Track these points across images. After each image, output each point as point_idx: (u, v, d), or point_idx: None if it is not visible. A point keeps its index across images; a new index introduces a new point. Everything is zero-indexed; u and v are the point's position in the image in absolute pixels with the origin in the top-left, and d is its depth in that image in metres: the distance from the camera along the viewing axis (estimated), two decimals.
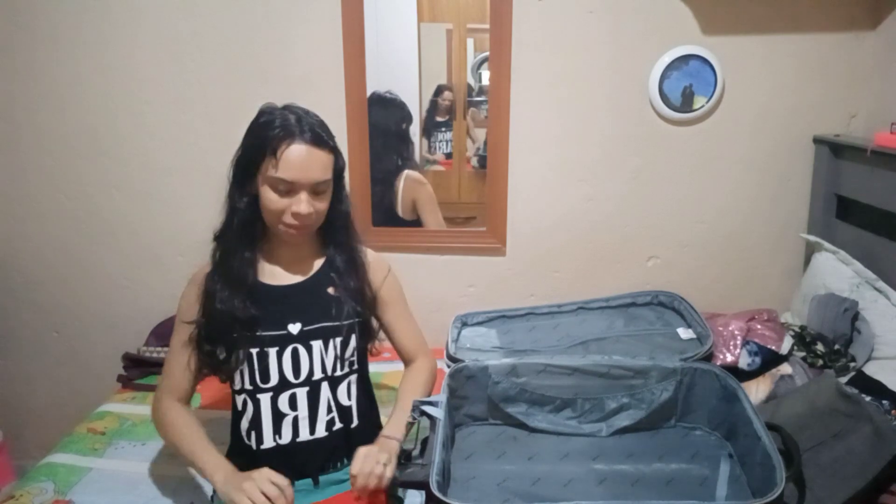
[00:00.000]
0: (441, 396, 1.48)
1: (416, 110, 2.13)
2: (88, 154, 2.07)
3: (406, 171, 2.13)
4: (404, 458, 1.40)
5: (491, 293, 2.12)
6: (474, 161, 2.22)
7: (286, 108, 1.25)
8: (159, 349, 2.00)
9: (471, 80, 2.14)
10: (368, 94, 2.01)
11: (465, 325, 1.96)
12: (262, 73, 1.97)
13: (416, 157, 2.17)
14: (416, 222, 2.15)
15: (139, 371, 1.95)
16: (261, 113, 1.26)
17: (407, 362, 1.50)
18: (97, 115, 2.04)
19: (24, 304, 2.23)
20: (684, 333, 1.80)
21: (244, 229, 1.25)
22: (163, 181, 2.08)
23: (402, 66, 2.13)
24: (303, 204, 1.20)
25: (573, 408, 1.62)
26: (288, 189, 1.20)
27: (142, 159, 2.07)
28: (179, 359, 1.29)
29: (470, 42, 2.10)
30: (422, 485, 1.21)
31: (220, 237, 1.28)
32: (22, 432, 2.27)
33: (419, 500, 1.29)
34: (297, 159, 1.18)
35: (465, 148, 2.21)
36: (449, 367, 1.64)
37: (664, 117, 1.95)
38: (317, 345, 1.29)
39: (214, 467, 1.19)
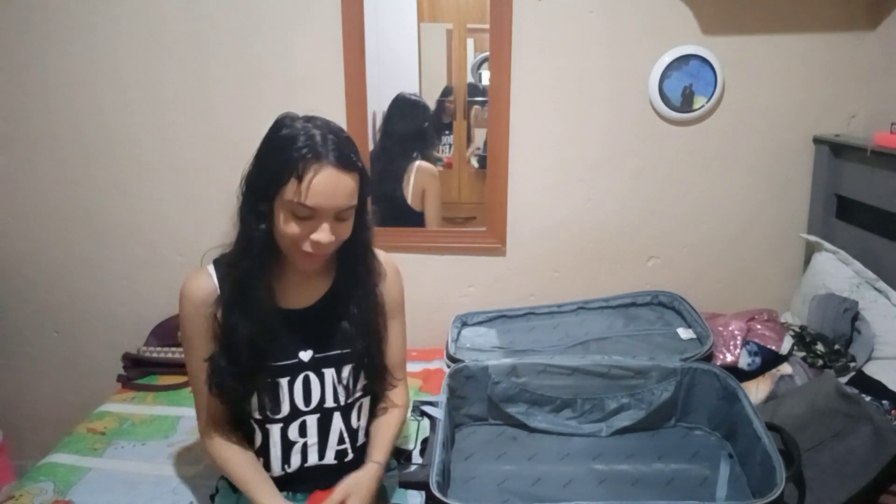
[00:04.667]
0: (441, 396, 1.48)
1: None
2: (88, 154, 2.07)
3: (418, 162, 2.12)
4: (404, 458, 1.41)
5: (491, 293, 2.12)
6: (474, 161, 2.22)
7: (309, 120, 1.12)
8: (159, 349, 2.00)
9: (471, 80, 2.14)
10: (393, 97, 2.06)
11: (465, 325, 1.96)
12: (262, 73, 1.97)
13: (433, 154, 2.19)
14: (421, 214, 2.15)
15: (139, 371, 1.94)
16: (280, 125, 1.11)
17: (384, 386, 1.36)
18: (97, 115, 2.03)
19: (24, 303, 2.23)
20: (684, 333, 1.80)
21: (263, 254, 1.13)
22: (163, 181, 2.08)
23: (402, 66, 2.13)
24: (324, 234, 1.08)
25: (573, 408, 1.63)
26: (309, 216, 1.08)
27: (142, 159, 2.06)
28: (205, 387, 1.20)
29: (470, 42, 2.09)
30: (422, 485, 1.21)
31: (237, 262, 1.15)
32: (22, 432, 2.27)
33: (419, 500, 1.29)
34: (324, 186, 1.05)
35: (466, 148, 2.22)
36: (449, 367, 1.64)
37: (664, 117, 1.95)
38: (329, 372, 1.22)
39: None
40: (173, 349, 1.99)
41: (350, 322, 1.24)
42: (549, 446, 1.55)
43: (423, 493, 1.23)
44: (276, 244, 1.14)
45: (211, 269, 1.21)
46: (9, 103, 2.04)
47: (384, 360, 1.31)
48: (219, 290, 1.18)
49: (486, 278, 2.12)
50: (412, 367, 1.90)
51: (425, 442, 1.37)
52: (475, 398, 1.62)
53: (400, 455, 1.42)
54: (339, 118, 1.98)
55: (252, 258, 1.13)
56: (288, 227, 1.09)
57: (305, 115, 1.14)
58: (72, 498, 1.39)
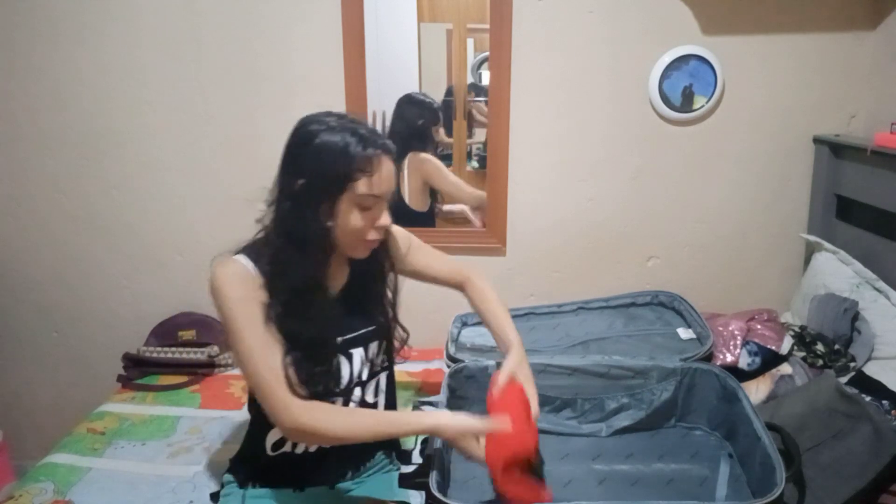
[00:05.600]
0: (441, 396, 1.48)
1: None
2: (88, 154, 2.07)
3: (409, 154, 2.11)
4: (404, 458, 1.41)
5: None
6: (474, 161, 2.22)
7: (342, 118, 1.16)
8: (159, 349, 2.00)
9: (471, 80, 2.14)
10: (399, 97, 2.07)
11: (465, 325, 1.96)
12: (262, 73, 1.96)
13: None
14: (423, 214, 2.15)
15: (139, 371, 1.95)
16: (317, 130, 1.13)
17: (458, 286, 1.49)
18: (97, 115, 2.04)
19: (24, 304, 2.23)
20: (684, 333, 1.80)
21: (325, 253, 1.17)
22: (163, 181, 2.08)
23: (402, 66, 2.13)
24: (387, 217, 1.18)
25: (573, 408, 1.63)
26: (372, 205, 1.15)
27: (142, 159, 2.07)
28: (274, 359, 1.13)
29: (470, 42, 2.09)
30: (422, 485, 1.21)
31: (292, 267, 1.15)
32: (22, 432, 2.27)
33: (419, 500, 1.29)
34: (388, 174, 1.15)
35: (465, 148, 2.21)
36: (449, 367, 1.64)
37: (664, 117, 1.95)
38: (357, 352, 1.25)
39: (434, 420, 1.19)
40: (173, 349, 1.99)
41: (372, 300, 1.29)
42: (549, 446, 1.55)
43: (423, 493, 1.23)
44: (328, 241, 1.16)
45: (241, 258, 1.17)
46: (8, 103, 2.04)
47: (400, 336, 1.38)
48: (261, 277, 1.16)
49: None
50: (412, 367, 1.91)
51: (425, 442, 1.37)
52: (475, 398, 1.62)
53: (400, 455, 1.42)
54: None
55: (315, 259, 1.16)
56: (356, 221, 1.15)
57: (334, 114, 1.17)
58: (72, 498, 1.39)
